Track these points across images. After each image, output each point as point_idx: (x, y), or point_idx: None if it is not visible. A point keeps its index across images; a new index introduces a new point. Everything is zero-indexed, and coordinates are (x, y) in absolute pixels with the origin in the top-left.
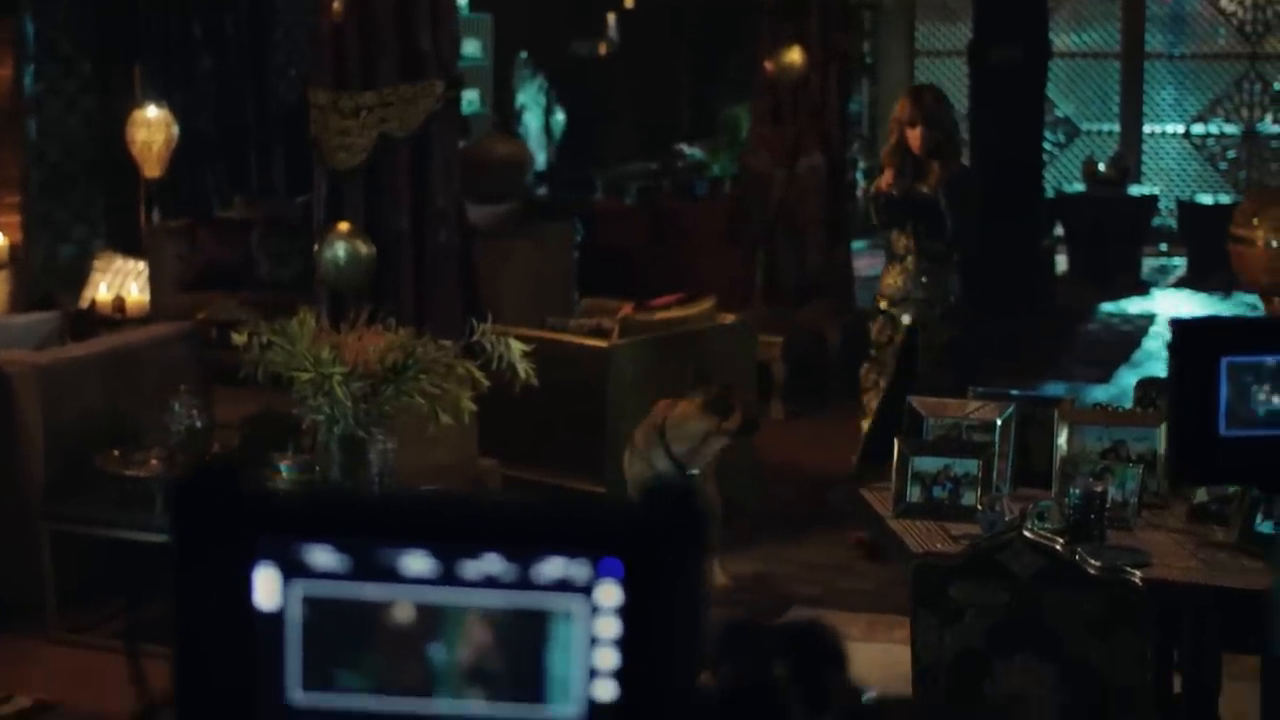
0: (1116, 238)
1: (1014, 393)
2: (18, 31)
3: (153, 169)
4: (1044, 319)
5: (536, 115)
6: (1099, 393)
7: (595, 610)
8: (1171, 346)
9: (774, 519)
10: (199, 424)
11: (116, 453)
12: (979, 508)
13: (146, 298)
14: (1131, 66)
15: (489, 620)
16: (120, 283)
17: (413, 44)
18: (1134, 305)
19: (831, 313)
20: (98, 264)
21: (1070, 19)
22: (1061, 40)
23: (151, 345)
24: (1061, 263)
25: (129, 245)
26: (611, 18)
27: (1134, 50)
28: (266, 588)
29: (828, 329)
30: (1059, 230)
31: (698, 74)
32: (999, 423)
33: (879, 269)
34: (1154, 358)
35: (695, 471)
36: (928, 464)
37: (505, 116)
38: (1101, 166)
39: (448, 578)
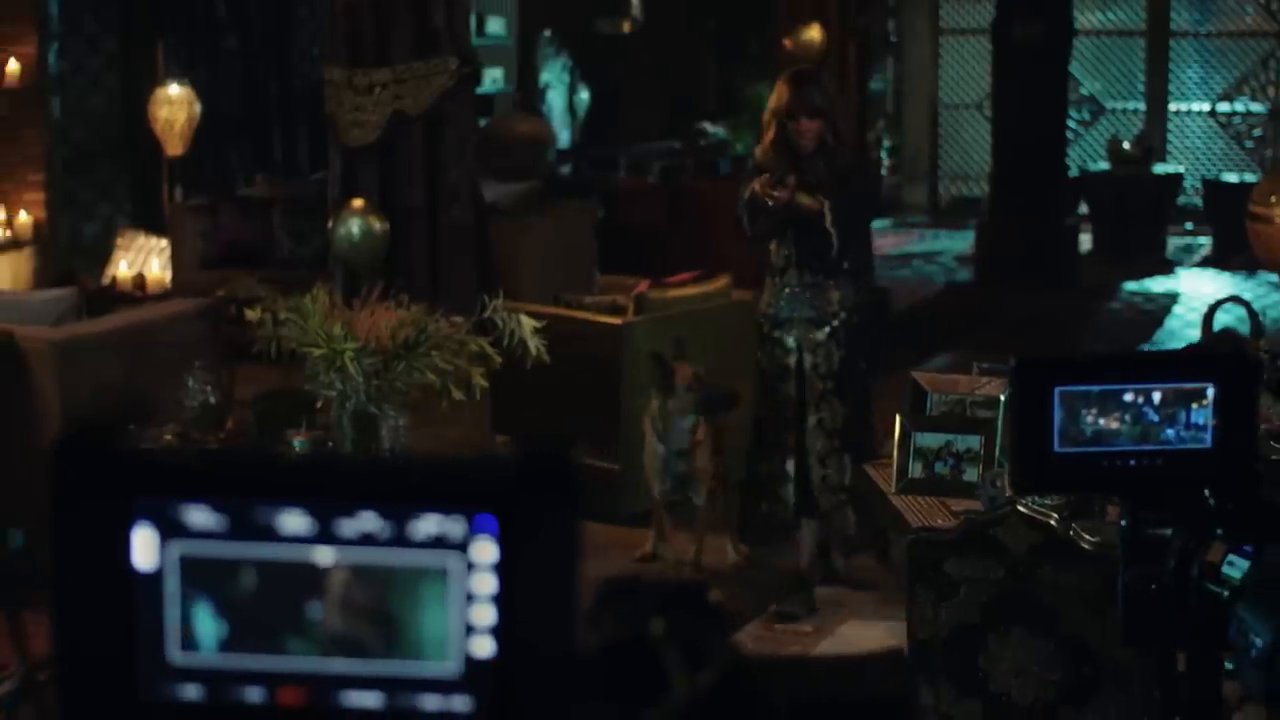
0: (1141, 216)
1: None
2: (42, 9)
3: (175, 147)
4: (1066, 297)
5: (560, 93)
6: None
7: (471, 567)
8: (1010, 377)
9: None
10: (213, 400)
11: (131, 428)
12: (980, 484)
13: (167, 275)
14: (1157, 44)
15: (366, 577)
16: (142, 260)
17: (427, 21)
18: (1158, 284)
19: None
20: (120, 241)
21: None
22: (1087, 18)
23: (168, 322)
24: (1085, 241)
25: (153, 223)
26: None
27: (1159, 28)
28: (144, 548)
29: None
30: (1083, 208)
31: (722, 52)
32: (1003, 399)
33: (902, 247)
34: (1176, 337)
35: (681, 448)
36: (930, 440)
37: (528, 94)
38: (1126, 145)
39: (324, 536)
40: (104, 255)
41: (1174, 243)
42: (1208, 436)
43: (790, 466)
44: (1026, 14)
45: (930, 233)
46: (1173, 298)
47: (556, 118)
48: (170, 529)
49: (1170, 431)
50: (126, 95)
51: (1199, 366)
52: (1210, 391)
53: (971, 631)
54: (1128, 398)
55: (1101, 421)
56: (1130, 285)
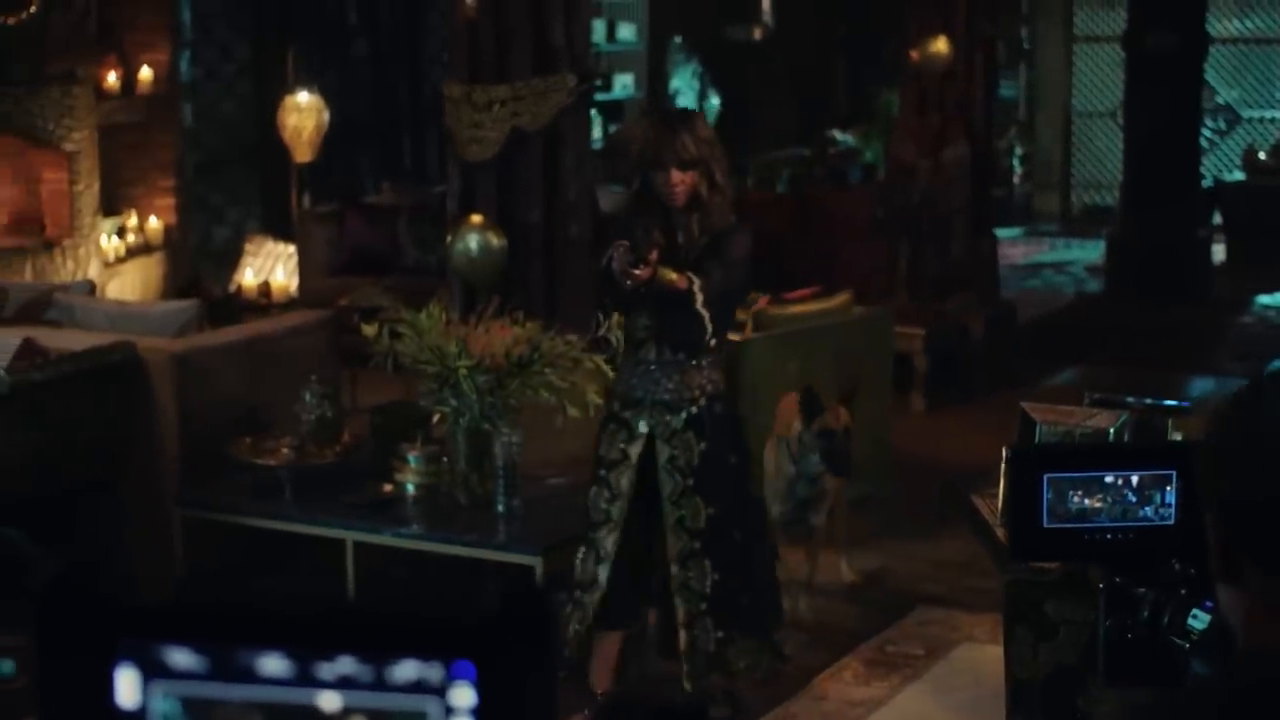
0: (1276, 228)
1: (1129, 400)
2: (175, 17)
3: (303, 154)
4: (1198, 310)
5: (690, 100)
6: None
7: (450, 711)
8: (1008, 464)
9: (906, 514)
10: (329, 414)
11: (248, 440)
12: None
13: (293, 283)
14: None
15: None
16: (269, 267)
17: (545, 38)
18: None
19: (975, 304)
20: (249, 247)
21: (1234, 4)
22: (1224, 25)
23: (288, 333)
24: (1218, 252)
25: (281, 228)
26: (766, 1)
27: None
28: (127, 687)
29: (971, 320)
30: (1217, 219)
31: (853, 58)
32: (1112, 431)
33: (1032, 257)
34: None
35: (812, 473)
36: None
37: (658, 101)
38: (1262, 154)
39: (304, 679)
40: (233, 260)
41: None
42: (1172, 514)
43: (603, 572)
44: (1159, 22)
45: (1061, 242)
46: None
47: None
48: (153, 669)
49: (1147, 509)
50: (258, 101)
51: (1164, 456)
52: (1174, 477)
53: (1070, 673)
54: (1109, 480)
55: (1086, 501)
56: (1263, 298)
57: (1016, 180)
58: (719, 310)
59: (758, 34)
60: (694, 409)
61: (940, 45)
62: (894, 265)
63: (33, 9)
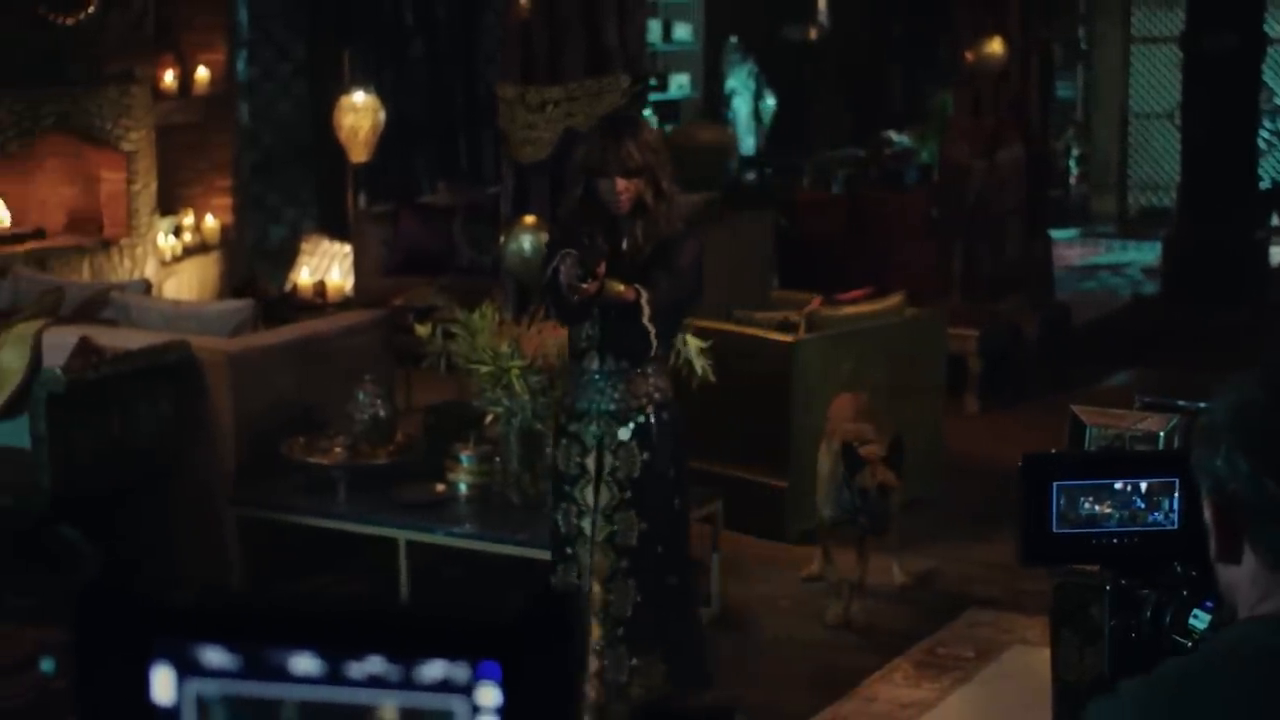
0: None
1: (1181, 403)
2: (231, 17)
3: (359, 154)
4: (1254, 311)
5: (745, 100)
6: None
7: (476, 710)
8: (1019, 471)
9: (958, 515)
10: (383, 414)
11: (302, 440)
12: None
13: (348, 282)
14: None
15: (374, 718)
16: (325, 266)
17: (599, 39)
18: None
19: (1029, 305)
20: (305, 246)
21: None
22: None
23: (342, 333)
24: (1277, 254)
25: (337, 228)
26: (822, 1)
27: None
28: (163, 685)
29: (1025, 322)
30: (1275, 220)
31: (908, 59)
32: (1162, 435)
33: (1088, 258)
34: None
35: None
36: None
37: (713, 101)
38: None
39: (334, 678)
40: (289, 259)
41: None
42: (1176, 519)
43: (591, 585)
44: (1217, 23)
45: (1118, 243)
46: None
47: (741, 125)
48: (187, 667)
49: (1157, 515)
50: (314, 101)
51: (1167, 464)
52: (1176, 483)
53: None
54: (1118, 487)
55: (1096, 507)
56: None
57: (1073, 181)
58: (667, 320)
59: (813, 34)
60: (641, 418)
61: (995, 46)
62: (948, 266)
63: (90, 9)
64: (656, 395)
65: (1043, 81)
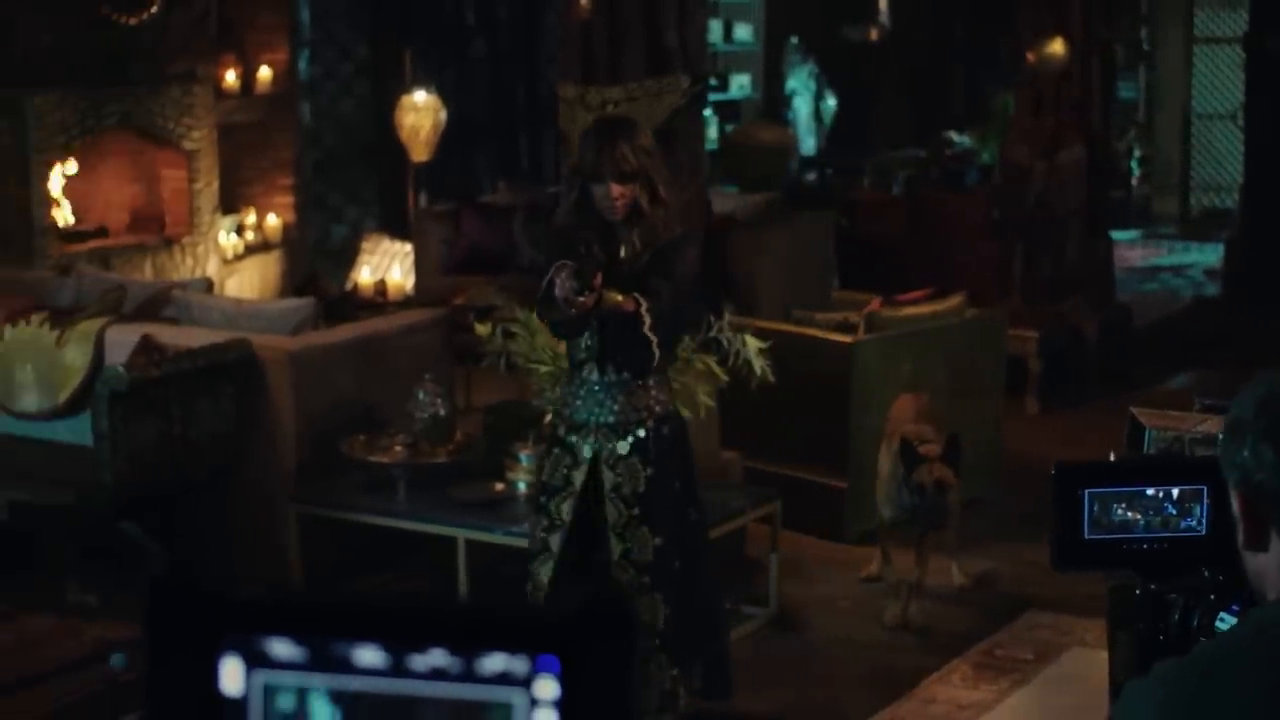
0: None
1: None
2: (294, 17)
3: (420, 153)
4: None
5: (806, 100)
6: None
7: (534, 703)
8: (1052, 479)
9: (1017, 517)
10: (442, 412)
11: (362, 438)
12: None
13: (409, 281)
14: None
15: (436, 709)
16: (386, 265)
17: (659, 39)
18: None
19: (1090, 306)
20: (366, 245)
21: None
22: None
23: (402, 332)
24: None
25: (398, 227)
26: (883, 2)
27: None
28: (231, 676)
29: (1085, 323)
30: None
31: (970, 59)
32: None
33: (1150, 259)
34: None
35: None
36: None
37: (774, 101)
38: None
39: (397, 670)
40: (350, 258)
41: None
42: (1204, 525)
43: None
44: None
45: (1180, 245)
46: None
47: (802, 125)
48: (255, 659)
49: (1190, 520)
50: (376, 101)
51: (1197, 471)
52: (1205, 490)
53: None
54: (1150, 493)
55: (1129, 514)
56: None
57: (1135, 182)
58: (668, 329)
59: (874, 34)
60: (641, 432)
61: (1056, 47)
62: (1008, 267)
63: (153, 9)
64: (657, 408)
65: (1104, 82)
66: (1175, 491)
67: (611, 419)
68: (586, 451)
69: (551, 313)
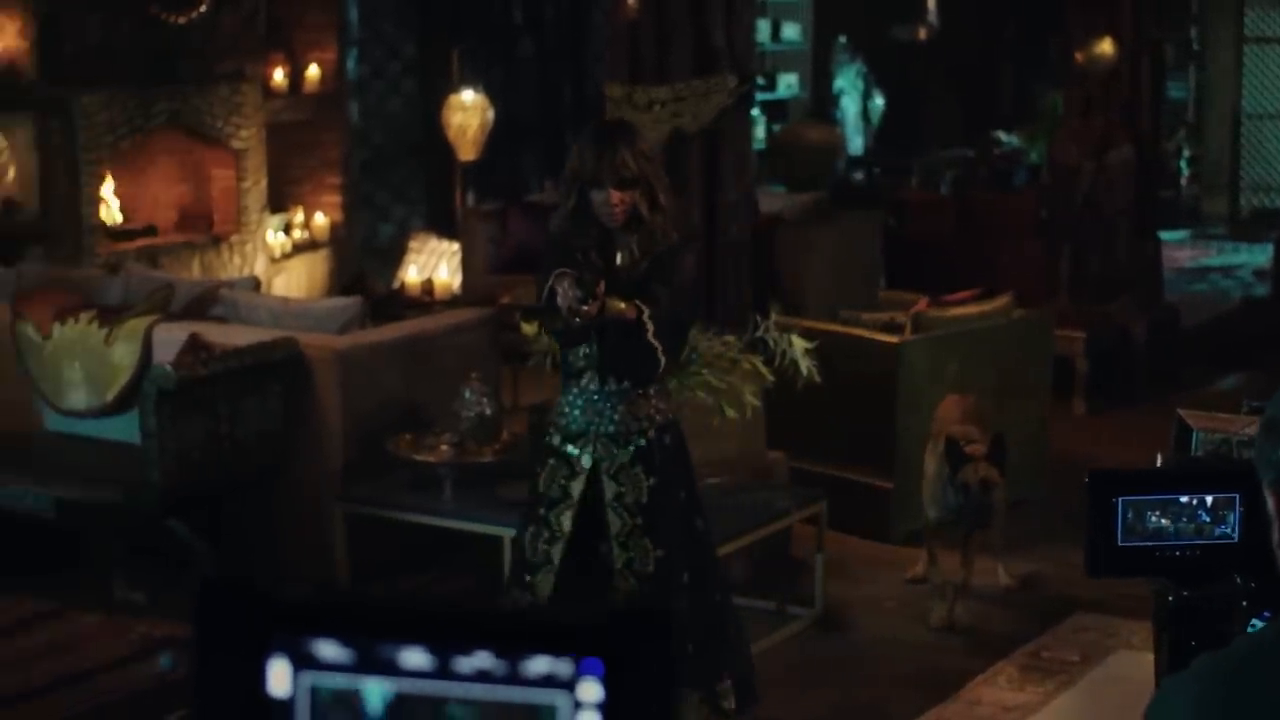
0: None
1: None
2: (342, 16)
3: (467, 152)
4: None
5: (854, 100)
6: None
7: (578, 705)
8: (1086, 487)
9: (1063, 518)
10: (488, 411)
11: (408, 437)
12: None
13: (456, 280)
14: None
15: (480, 712)
16: (433, 264)
17: (706, 39)
18: None
19: (1138, 307)
20: (413, 244)
21: None
22: None
23: (449, 331)
24: None
25: (446, 226)
26: (932, 1)
27: None
28: (279, 678)
29: (1133, 323)
30: None
31: (1018, 59)
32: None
33: (1199, 260)
34: None
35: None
36: None
37: (822, 101)
38: None
39: (443, 672)
40: (397, 257)
41: None
42: (1237, 532)
43: None
44: None
45: (1229, 245)
46: None
47: (850, 124)
48: (302, 661)
49: (1223, 528)
50: (423, 100)
51: (1230, 479)
52: (1238, 498)
53: None
54: (1184, 501)
55: (1163, 521)
56: None
57: (1184, 182)
58: (669, 336)
59: (923, 34)
60: (643, 441)
61: (1105, 47)
62: (1056, 267)
63: (202, 8)
64: (658, 417)
65: (1154, 82)
66: (1209, 499)
67: (612, 428)
68: (586, 461)
69: (553, 321)
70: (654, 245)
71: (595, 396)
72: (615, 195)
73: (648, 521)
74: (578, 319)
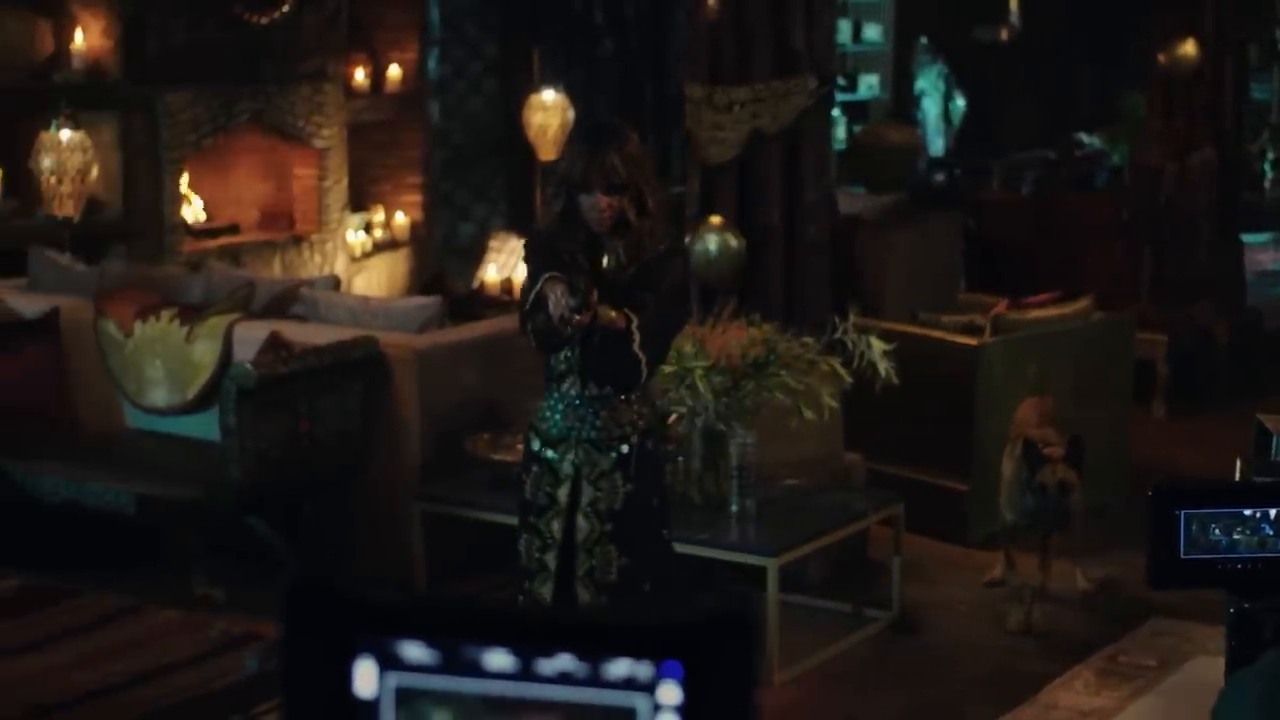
0: None
1: None
2: (424, 16)
3: (547, 152)
4: None
5: (935, 101)
6: None
7: (658, 708)
8: (1149, 500)
9: (1142, 522)
10: None
11: (486, 437)
12: None
13: None
14: None
15: (563, 714)
16: (513, 264)
17: (786, 41)
18: None
19: (1220, 310)
20: (492, 244)
21: None
22: None
23: None
24: None
25: (526, 225)
26: (1014, 2)
27: None
28: (365, 678)
29: (1215, 327)
30: None
31: (1099, 60)
32: None
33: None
34: None
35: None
36: None
37: (903, 102)
38: None
39: (526, 674)
40: (477, 256)
41: None
42: None
43: None
44: None
45: None
46: None
47: (931, 125)
48: (388, 662)
49: None
50: (504, 99)
51: None
52: None
53: None
54: (1247, 514)
55: (1223, 536)
56: None
57: (1267, 185)
58: (655, 344)
59: (1005, 36)
60: (624, 447)
61: (1188, 48)
62: (1137, 270)
63: (285, 8)
64: (640, 423)
65: (1237, 83)
66: (1272, 513)
67: (594, 434)
68: (568, 468)
69: (539, 324)
70: (641, 251)
71: (577, 401)
72: (603, 200)
73: (616, 528)
74: (570, 327)
